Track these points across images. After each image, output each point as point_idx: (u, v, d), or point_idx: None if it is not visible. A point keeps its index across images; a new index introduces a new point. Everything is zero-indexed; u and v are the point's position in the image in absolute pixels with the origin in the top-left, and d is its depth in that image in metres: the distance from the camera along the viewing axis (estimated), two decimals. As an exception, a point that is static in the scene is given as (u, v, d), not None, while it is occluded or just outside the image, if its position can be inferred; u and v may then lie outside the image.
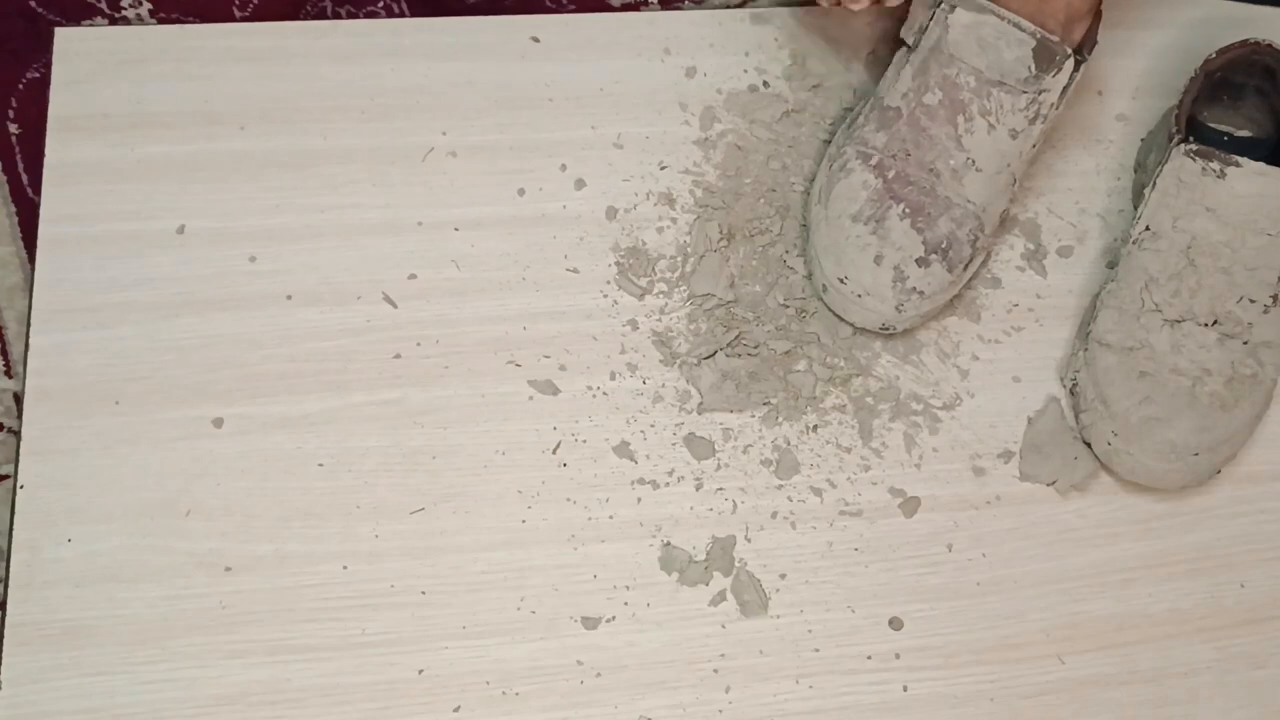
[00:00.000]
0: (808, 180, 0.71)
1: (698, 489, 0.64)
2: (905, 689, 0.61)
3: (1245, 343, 0.64)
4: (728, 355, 0.66)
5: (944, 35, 0.65)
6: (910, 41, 0.68)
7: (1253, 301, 0.64)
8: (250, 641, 0.59)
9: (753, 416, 0.66)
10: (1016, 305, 0.70)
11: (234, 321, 0.65)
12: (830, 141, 0.72)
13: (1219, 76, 0.70)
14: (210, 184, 0.68)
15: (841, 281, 0.65)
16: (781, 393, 0.66)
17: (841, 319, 0.67)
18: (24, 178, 0.79)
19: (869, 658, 0.61)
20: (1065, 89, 0.66)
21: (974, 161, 0.65)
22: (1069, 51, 0.64)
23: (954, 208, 0.65)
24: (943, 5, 0.65)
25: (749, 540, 0.63)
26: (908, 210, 0.65)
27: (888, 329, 0.66)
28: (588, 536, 0.62)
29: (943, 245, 0.65)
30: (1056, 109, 0.66)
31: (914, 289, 0.65)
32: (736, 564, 0.62)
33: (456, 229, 0.68)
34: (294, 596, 0.60)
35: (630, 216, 0.70)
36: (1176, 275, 0.64)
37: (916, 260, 0.64)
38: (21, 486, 0.61)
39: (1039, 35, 0.64)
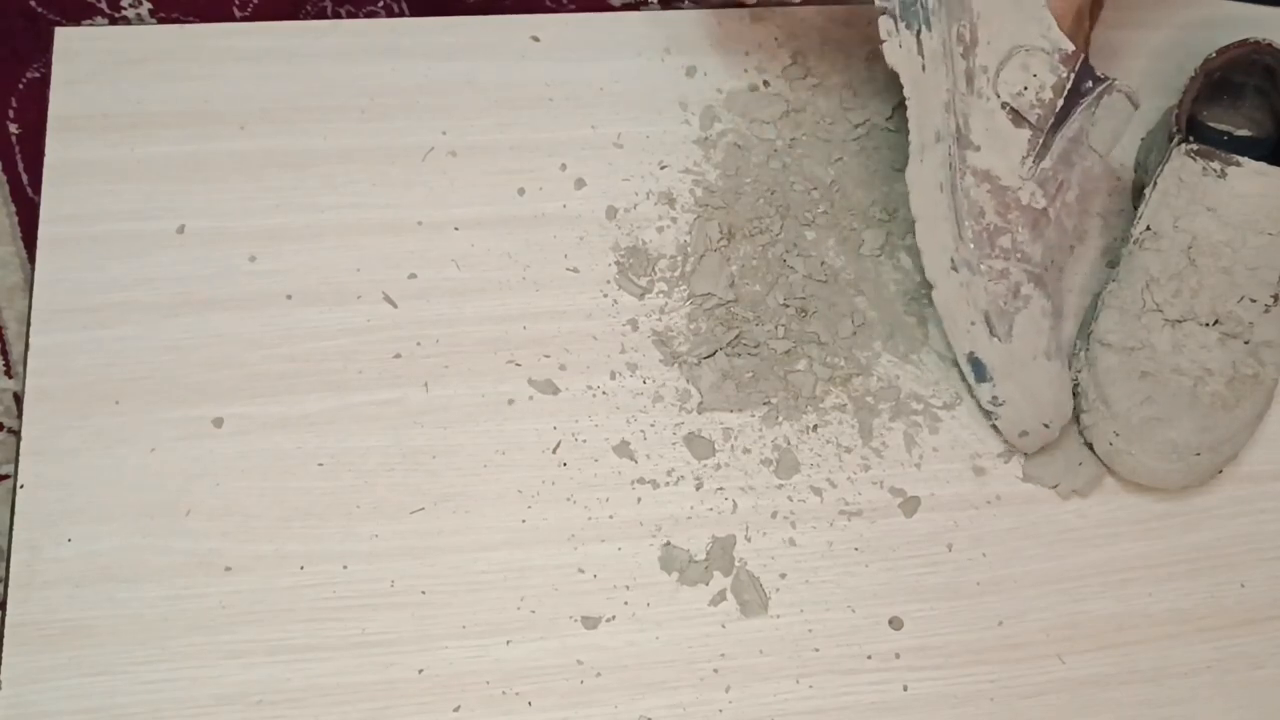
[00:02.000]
0: (808, 180, 0.71)
1: (698, 489, 0.64)
2: (905, 689, 0.61)
3: (1246, 342, 0.64)
4: (728, 355, 0.66)
5: (1088, 127, 0.62)
6: (1031, 118, 0.61)
7: (1254, 301, 0.64)
8: (250, 641, 0.59)
9: (753, 416, 0.65)
10: (1017, 305, 0.70)
11: (234, 321, 0.65)
12: (836, 147, 0.72)
13: (1219, 76, 0.70)
14: (210, 184, 0.68)
15: (1046, 427, 0.63)
16: (781, 392, 0.66)
17: (1026, 455, 0.66)
18: (24, 178, 0.80)
19: (869, 658, 0.61)
20: None
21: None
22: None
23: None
24: (1089, 89, 0.61)
25: (749, 540, 0.63)
26: (1063, 323, 0.64)
27: None
28: (588, 536, 0.62)
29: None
30: None
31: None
32: (736, 564, 0.62)
33: (456, 229, 0.68)
34: (294, 596, 0.60)
35: (630, 216, 0.70)
36: (1177, 275, 0.64)
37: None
38: (21, 486, 0.61)
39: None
